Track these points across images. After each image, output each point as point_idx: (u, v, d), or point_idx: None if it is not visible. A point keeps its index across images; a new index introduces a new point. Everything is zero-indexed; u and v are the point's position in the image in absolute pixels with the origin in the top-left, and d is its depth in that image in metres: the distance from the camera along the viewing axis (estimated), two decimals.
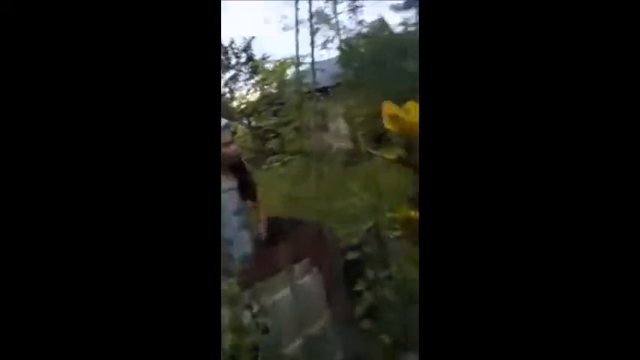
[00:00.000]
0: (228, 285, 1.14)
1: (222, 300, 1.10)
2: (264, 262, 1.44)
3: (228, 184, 1.83)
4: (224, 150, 1.80)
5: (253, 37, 11.39)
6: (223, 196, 1.79)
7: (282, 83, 8.75)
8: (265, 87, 9.41)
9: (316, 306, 1.37)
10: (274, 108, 7.73)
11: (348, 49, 6.44)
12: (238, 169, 1.89)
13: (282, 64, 8.82)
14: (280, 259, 1.38)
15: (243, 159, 1.98)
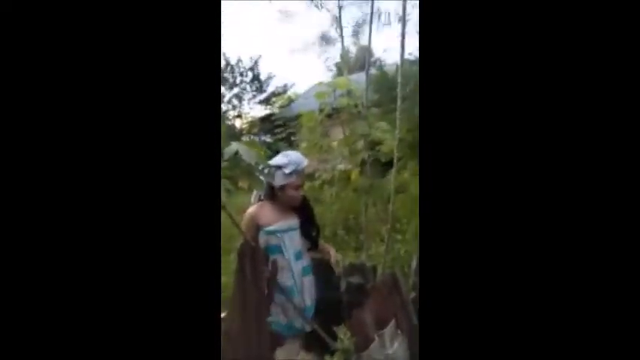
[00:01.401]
0: None
1: None
2: (355, 328, 1.29)
3: (287, 223, 1.64)
4: (292, 193, 1.64)
5: (260, 56, 11.47)
6: (283, 236, 1.61)
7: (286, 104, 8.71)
8: (269, 107, 9.37)
9: None
10: (280, 129, 7.64)
11: (380, 73, 6.37)
12: (302, 208, 1.70)
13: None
14: (368, 323, 1.24)
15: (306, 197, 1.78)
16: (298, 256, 1.65)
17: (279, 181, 1.62)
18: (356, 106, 2.78)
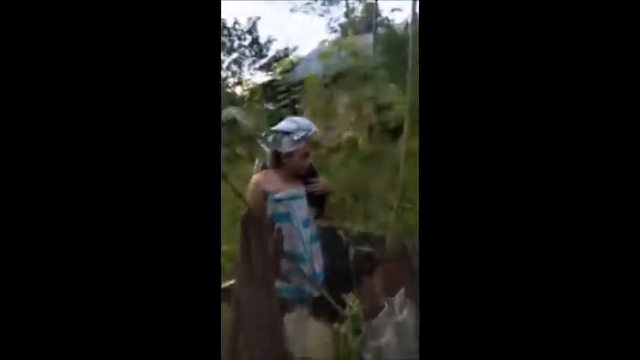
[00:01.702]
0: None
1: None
2: (364, 295, 1.28)
3: (294, 191, 1.60)
4: (299, 160, 1.58)
5: (259, 18, 10.99)
6: (290, 203, 1.59)
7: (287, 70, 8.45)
8: (270, 73, 9.11)
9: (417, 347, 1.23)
10: (283, 95, 7.44)
11: (388, 32, 6.00)
12: (307, 175, 1.65)
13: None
14: (378, 290, 1.22)
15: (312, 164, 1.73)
16: (306, 224, 1.62)
17: (286, 147, 1.57)
18: (363, 68, 2.65)
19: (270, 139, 1.57)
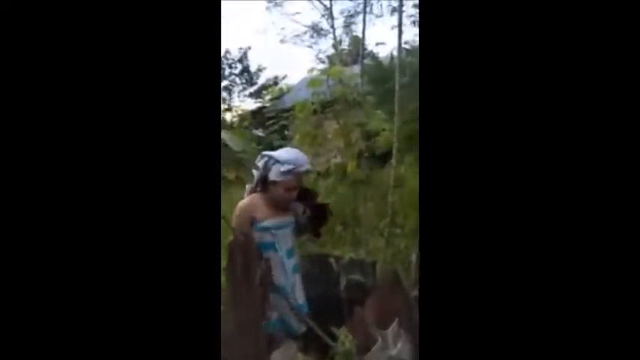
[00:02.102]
0: None
1: None
2: (356, 328, 1.21)
3: (281, 220, 1.54)
4: (282, 193, 1.51)
5: (249, 48, 11.24)
6: (277, 232, 1.52)
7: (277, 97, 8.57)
8: (260, 100, 9.22)
9: None
10: (272, 121, 7.49)
11: (375, 63, 6.17)
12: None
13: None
14: (370, 322, 1.16)
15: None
16: (290, 254, 1.56)
17: (272, 175, 1.53)
18: (351, 94, 2.68)
19: (260, 162, 1.53)
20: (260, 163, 1.53)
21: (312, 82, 2.53)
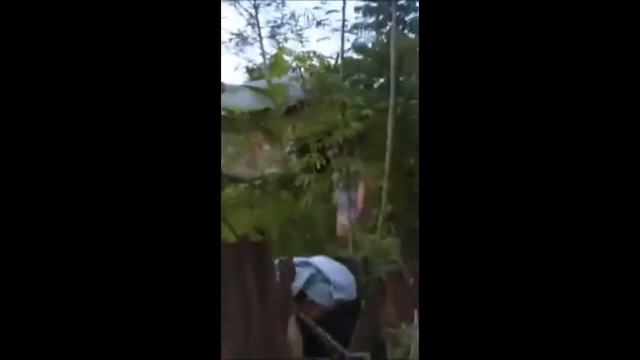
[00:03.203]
0: None
1: None
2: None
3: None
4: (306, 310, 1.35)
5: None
6: None
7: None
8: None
9: None
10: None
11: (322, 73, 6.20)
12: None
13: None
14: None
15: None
16: None
17: (316, 296, 1.31)
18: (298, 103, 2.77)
19: (303, 271, 1.27)
20: (303, 273, 1.28)
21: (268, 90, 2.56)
